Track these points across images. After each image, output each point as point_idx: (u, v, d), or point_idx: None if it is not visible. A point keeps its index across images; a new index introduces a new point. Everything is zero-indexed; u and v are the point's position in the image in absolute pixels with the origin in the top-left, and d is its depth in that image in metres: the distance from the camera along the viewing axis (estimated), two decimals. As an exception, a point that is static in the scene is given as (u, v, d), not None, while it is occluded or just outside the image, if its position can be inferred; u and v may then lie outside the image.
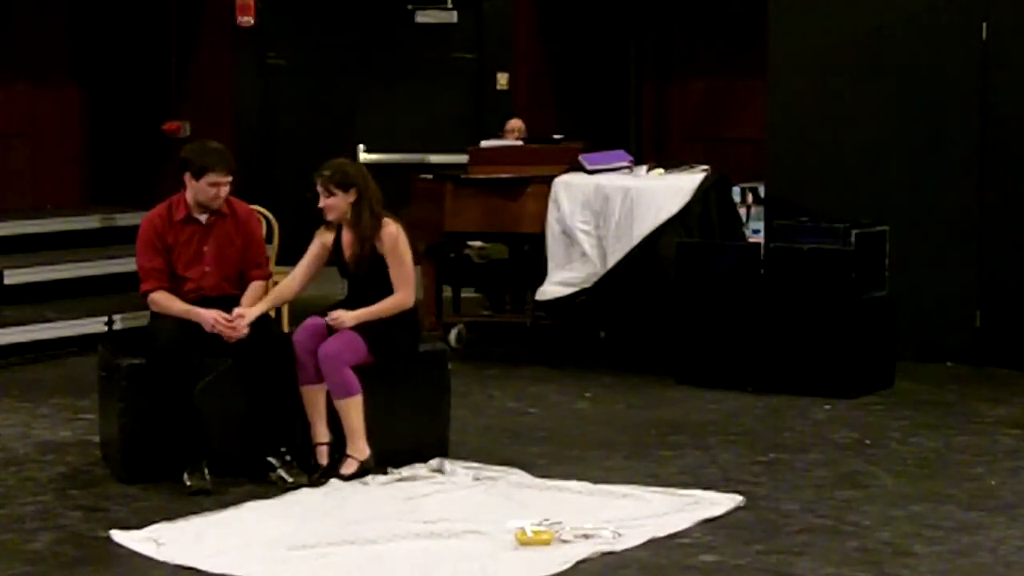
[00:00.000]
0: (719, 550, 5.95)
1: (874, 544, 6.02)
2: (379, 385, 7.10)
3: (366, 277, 7.12)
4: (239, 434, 6.96)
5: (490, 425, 8.16)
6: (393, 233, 7.07)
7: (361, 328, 6.99)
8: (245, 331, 6.90)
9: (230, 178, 7.11)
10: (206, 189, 7.07)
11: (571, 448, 7.62)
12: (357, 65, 12.69)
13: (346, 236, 7.15)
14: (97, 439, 7.50)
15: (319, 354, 6.91)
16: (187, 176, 7.10)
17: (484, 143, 10.71)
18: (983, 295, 9.72)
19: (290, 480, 6.85)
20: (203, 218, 7.16)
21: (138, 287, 7.14)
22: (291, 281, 7.23)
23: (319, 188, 7.10)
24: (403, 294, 7.08)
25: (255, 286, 7.21)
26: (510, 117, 11.74)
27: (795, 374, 8.84)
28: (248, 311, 6.97)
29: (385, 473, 6.98)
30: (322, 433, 7.02)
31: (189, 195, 7.14)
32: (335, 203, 7.09)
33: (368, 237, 7.06)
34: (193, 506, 6.54)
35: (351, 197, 7.07)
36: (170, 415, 6.86)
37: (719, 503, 6.52)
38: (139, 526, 6.22)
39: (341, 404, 6.94)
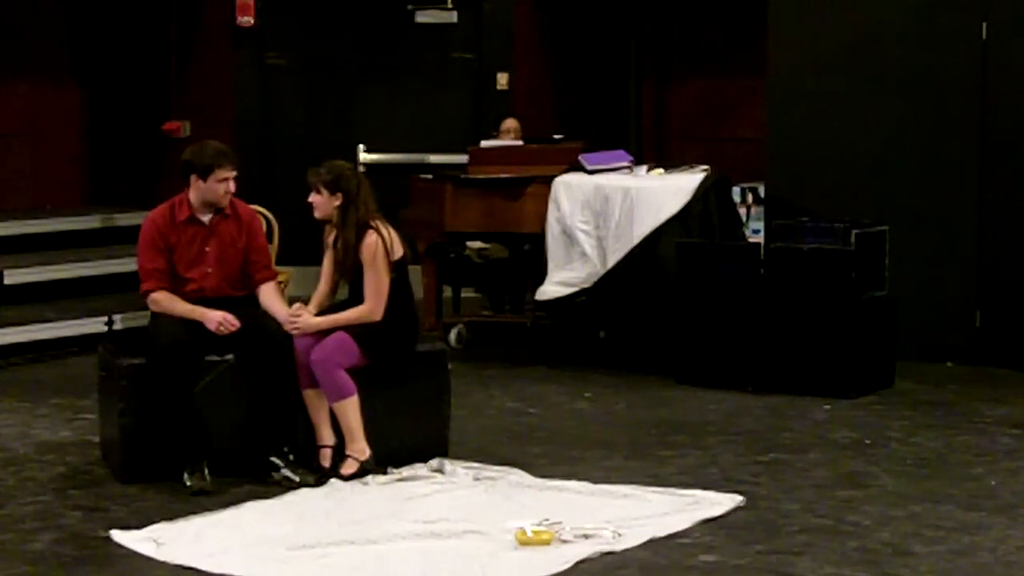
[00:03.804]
0: (719, 550, 5.95)
1: (874, 544, 6.02)
2: (379, 386, 7.10)
3: (357, 281, 7.14)
4: (240, 434, 6.96)
5: (490, 425, 8.16)
6: (372, 244, 7.06)
7: (354, 331, 7.00)
8: (308, 327, 6.95)
9: (235, 173, 7.14)
10: (215, 187, 7.08)
11: (571, 448, 7.62)
12: (357, 65, 12.69)
13: (338, 240, 7.18)
14: (97, 439, 7.50)
15: (311, 359, 6.92)
16: (193, 178, 7.11)
17: (484, 143, 10.72)
18: (983, 295, 9.73)
19: (296, 479, 6.85)
20: (206, 219, 7.17)
21: (138, 287, 7.14)
22: (323, 287, 7.25)
23: (311, 183, 7.15)
24: (370, 305, 7.06)
25: (269, 289, 7.21)
26: (507, 117, 11.73)
27: (795, 374, 8.84)
28: (312, 317, 7.02)
29: (385, 473, 6.98)
30: (326, 436, 7.03)
31: (194, 196, 7.14)
32: (320, 202, 7.14)
33: (351, 244, 7.08)
34: (193, 506, 6.54)
35: (336, 201, 7.10)
36: (170, 415, 6.86)
37: (719, 503, 6.53)
38: (139, 526, 6.22)
39: (337, 407, 6.96)
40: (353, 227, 7.08)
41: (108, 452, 7.25)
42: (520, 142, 10.89)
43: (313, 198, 7.17)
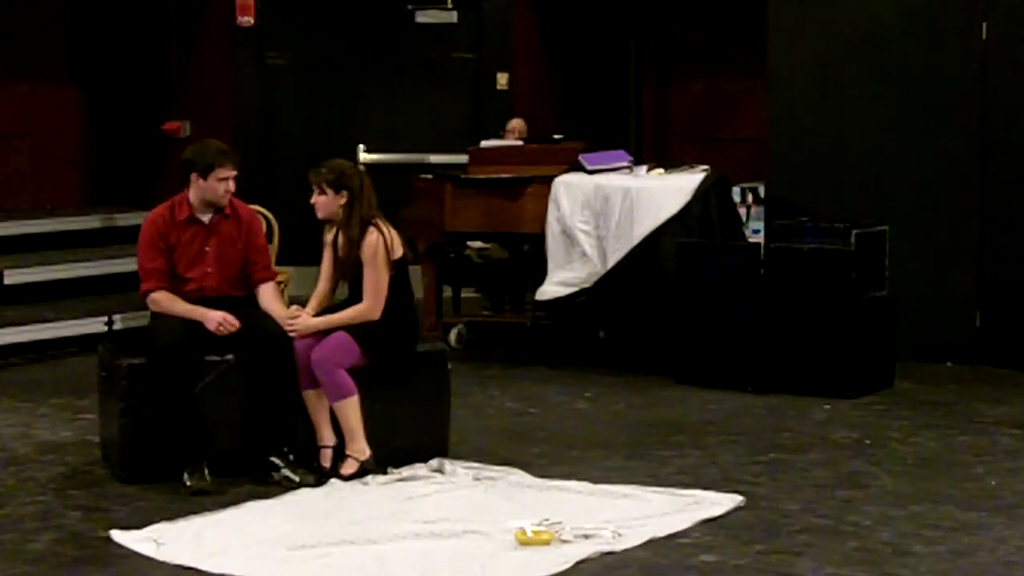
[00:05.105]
0: (719, 550, 5.95)
1: (874, 544, 6.02)
2: (379, 386, 7.10)
3: (356, 280, 7.13)
4: (240, 434, 6.96)
5: (490, 425, 8.16)
6: (373, 243, 7.06)
7: (354, 330, 6.99)
8: (305, 329, 6.95)
9: (236, 172, 7.13)
10: (215, 186, 7.08)
11: (571, 448, 7.62)
12: (357, 65, 12.69)
13: (340, 238, 7.18)
14: (97, 439, 7.50)
15: (311, 359, 6.92)
16: (193, 176, 7.10)
17: (484, 143, 10.72)
18: (983, 295, 9.73)
19: (296, 480, 6.84)
20: (206, 218, 7.16)
21: (138, 287, 7.14)
22: (322, 286, 7.24)
23: (313, 184, 7.13)
24: (369, 304, 7.06)
25: (268, 289, 7.21)
26: (510, 117, 11.74)
27: (795, 374, 8.84)
28: (309, 318, 7.01)
29: (385, 473, 6.98)
30: (327, 436, 7.03)
31: (194, 195, 7.14)
32: (324, 202, 7.13)
33: (354, 242, 7.07)
34: (193, 506, 6.54)
35: (341, 199, 7.09)
36: (170, 415, 6.86)
37: (719, 503, 6.52)
38: (139, 526, 6.22)
39: (337, 407, 6.95)
40: (357, 224, 7.07)
41: (108, 452, 7.25)
42: (520, 142, 10.90)
43: (316, 199, 7.15)
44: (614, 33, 12.79)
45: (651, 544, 6.00)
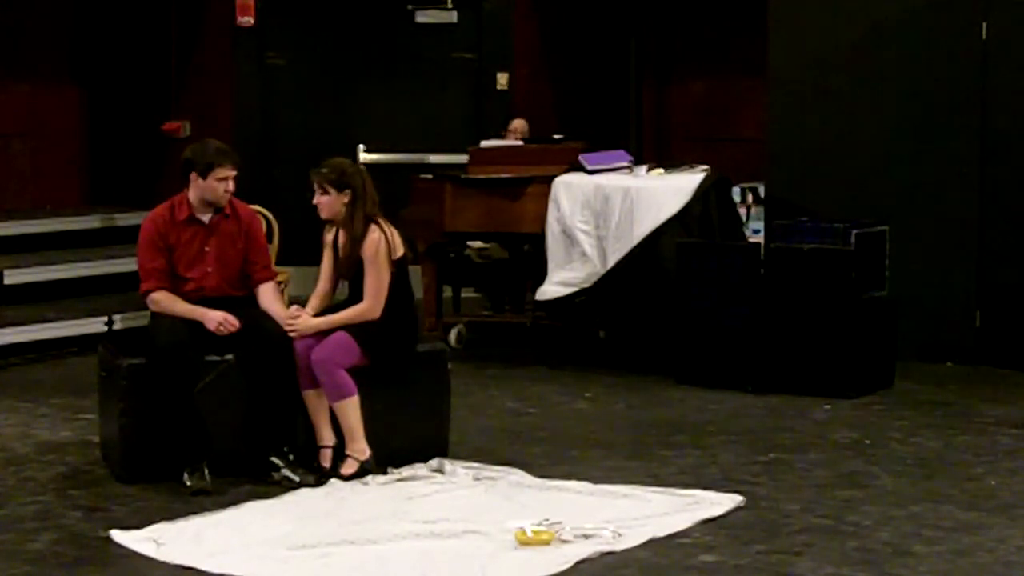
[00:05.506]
0: (719, 550, 5.95)
1: (874, 544, 6.02)
2: (379, 385, 7.10)
3: (356, 280, 7.13)
4: (240, 434, 6.96)
5: (490, 425, 8.16)
6: (375, 241, 7.05)
7: (355, 330, 6.99)
8: (306, 329, 6.96)
9: (236, 172, 7.13)
10: (215, 186, 7.08)
11: (571, 448, 7.62)
12: (357, 65, 12.69)
13: (341, 237, 7.17)
14: (97, 439, 7.50)
15: (312, 359, 6.91)
16: (193, 176, 7.10)
17: (484, 143, 10.72)
18: (983, 295, 9.73)
19: (296, 479, 6.84)
20: (206, 218, 7.16)
21: (138, 287, 7.14)
22: (323, 286, 7.23)
23: (315, 185, 7.12)
24: (369, 303, 7.05)
25: (268, 289, 7.21)
26: (511, 117, 11.74)
27: (795, 374, 8.84)
28: (309, 318, 7.01)
29: (385, 473, 6.98)
30: (326, 436, 7.03)
31: (194, 195, 7.14)
32: (328, 202, 7.11)
33: (357, 240, 7.07)
34: (193, 506, 6.54)
35: (345, 198, 7.08)
36: (170, 415, 6.86)
37: (719, 503, 6.52)
38: (139, 526, 6.22)
39: (337, 407, 6.95)
40: (361, 221, 7.07)
41: (108, 452, 7.25)
42: (520, 142, 10.90)
43: (319, 199, 7.14)
44: (614, 33, 12.79)
45: (651, 544, 6.00)
